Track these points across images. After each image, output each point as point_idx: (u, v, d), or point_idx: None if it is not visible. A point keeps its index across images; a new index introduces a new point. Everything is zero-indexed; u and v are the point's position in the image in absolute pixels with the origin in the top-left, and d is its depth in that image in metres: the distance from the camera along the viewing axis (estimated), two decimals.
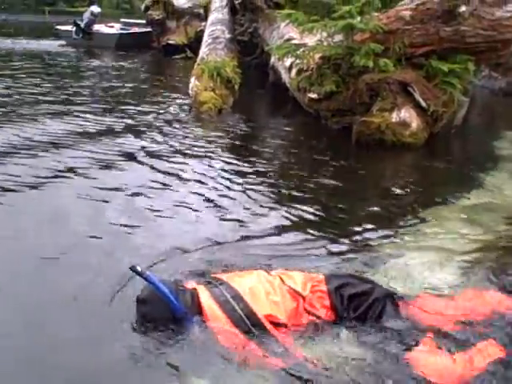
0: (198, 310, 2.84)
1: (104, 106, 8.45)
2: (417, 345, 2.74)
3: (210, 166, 5.78)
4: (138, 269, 2.84)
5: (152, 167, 5.62)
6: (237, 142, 6.90)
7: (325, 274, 3.17)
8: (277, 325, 2.82)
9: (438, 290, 3.33)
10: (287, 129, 7.79)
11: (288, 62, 8.07)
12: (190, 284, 3.03)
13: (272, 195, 5.03)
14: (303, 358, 2.67)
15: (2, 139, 6.24)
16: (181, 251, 3.79)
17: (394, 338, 2.80)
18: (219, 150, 6.43)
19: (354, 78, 6.97)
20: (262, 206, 4.75)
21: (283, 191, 5.18)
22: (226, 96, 8.45)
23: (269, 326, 2.78)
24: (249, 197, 4.94)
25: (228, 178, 5.40)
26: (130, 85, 10.67)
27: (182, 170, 5.55)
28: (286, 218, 4.51)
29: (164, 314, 2.81)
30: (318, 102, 7.33)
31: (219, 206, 4.68)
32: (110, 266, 3.52)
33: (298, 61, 7.68)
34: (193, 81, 8.60)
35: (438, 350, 2.71)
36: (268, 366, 2.62)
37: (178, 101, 8.97)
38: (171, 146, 6.42)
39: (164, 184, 5.15)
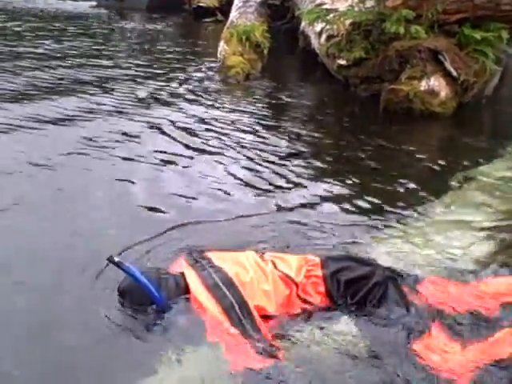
0: (186, 294, 2.69)
1: (135, 68, 8.50)
2: (423, 334, 2.54)
3: (233, 131, 5.79)
4: (116, 259, 2.61)
5: (175, 131, 5.70)
6: (262, 108, 6.87)
7: (321, 257, 2.91)
8: (265, 316, 2.64)
9: (452, 273, 3.10)
10: (315, 95, 7.76)
11: (318, 27, 7.96)
12: (179, 264, 2.89)
13: (295, 165, 4.99)
14: (286, 359, 2.46)
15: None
16: (200, 221, 3.77)
17: (397, 326, 2.61)
18: (243, 115, 6.43)
19: (384, 44, 6.86)
20: (282, 177, 4.72)
21: (307, 160, 5.14)
22: (255, 61, 8.40)
23: (258, 320, 2.58)
24: (271, 166, 4.91)
25: (249, 146, 5.40)
26: (161, 47, 10.65)
27: (205, 136, 5.58)
28: (309, 189, 4.49)
29: (145, 304, 2.66)
30: (347, 68, 7.25)
31: (239, 178, 4.63)
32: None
33: (328, 26, 7.58)
34: (221, 45, 8.56)
35: (448, 340, 2.52)
36: (248, 363, 2.42)
37: (206, 64, 8.93)
38: (196, 110, 6.45)
39: (185, 152, 5.20)
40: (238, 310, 2.55)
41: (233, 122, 6.10)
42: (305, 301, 2.75)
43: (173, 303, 2.68)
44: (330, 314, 2.73)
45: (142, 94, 6.97)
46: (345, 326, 2.66)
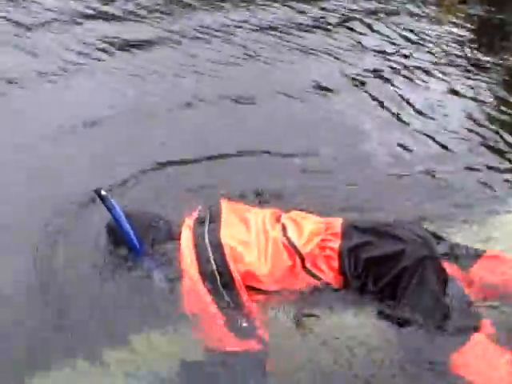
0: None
1: None
2: (466, 338, 2.02)
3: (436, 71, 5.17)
4: (103, 193, 2.36)
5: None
6: (478, 40, 6.04)
7: (344, 225, 2.37)
8: (256, 289, 2.27)
9: None
10: None
11: None
12: (191, 209, 2.56)
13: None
14: (268, 342, 2.12)
15: None
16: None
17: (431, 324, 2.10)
18: (451, 47, 5.77)
19: None
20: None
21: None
22: None
23: (243, 294, 2.24)
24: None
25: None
26: None
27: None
28: None
29: (125, 248, 2.46)
30: None
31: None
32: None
33: None
34: None
35: (499, 348, 1.99)
36: (222, 343, 2.13)
37: None
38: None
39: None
40: (217, 278, 2.23)
41: (434, 57, 5.50)
42: (314, 276, 2.29)
43: (156, 255, 2.43)
44: (342, 296, 2.26)
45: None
46: (359, 316, 2.20)
